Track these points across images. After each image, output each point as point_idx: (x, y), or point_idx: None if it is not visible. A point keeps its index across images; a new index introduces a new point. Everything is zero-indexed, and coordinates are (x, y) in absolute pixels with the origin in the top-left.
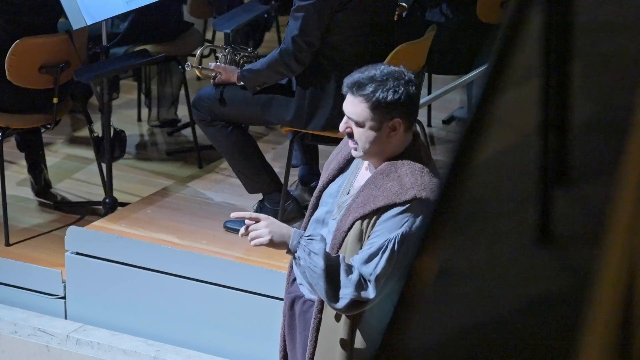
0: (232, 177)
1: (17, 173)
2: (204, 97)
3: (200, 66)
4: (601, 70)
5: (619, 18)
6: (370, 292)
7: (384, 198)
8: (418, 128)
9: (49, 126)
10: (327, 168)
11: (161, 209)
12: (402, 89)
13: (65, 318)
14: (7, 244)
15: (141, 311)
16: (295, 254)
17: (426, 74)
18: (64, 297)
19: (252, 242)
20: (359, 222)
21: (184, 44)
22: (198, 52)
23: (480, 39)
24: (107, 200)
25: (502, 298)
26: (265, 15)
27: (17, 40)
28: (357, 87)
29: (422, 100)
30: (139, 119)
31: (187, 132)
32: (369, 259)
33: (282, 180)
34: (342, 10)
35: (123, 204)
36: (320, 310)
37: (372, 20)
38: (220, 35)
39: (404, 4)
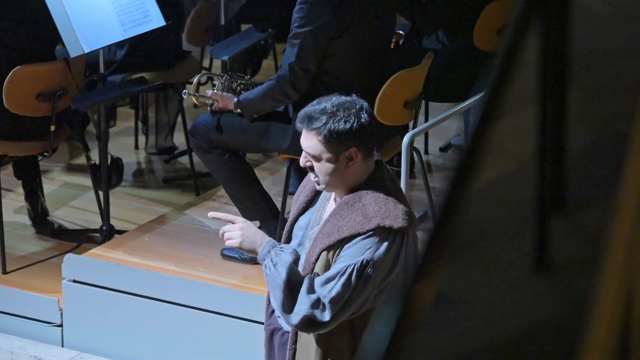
0: (229, 205)
1: (14, 200)
2: (201, 124)
3: (197, 94)
4: (598, 97)
5: (616, 45)
6: (326, 315)
7: (348, 228)
8: (379, 156)
9: (46, 154)
10: (295, 201)
11: (158, 237)
12: (353, 118)
13: (62, 346)
14: (4, 272)
15: (138, 339)
16: (264, 262)
17: (423, 101)
18: (60, 325)
19: (226, 243)
20: (324, 252)
21: (181, 71)
22: (195, 79)
23: (477, 66)
24: (104, 227)
25: (500, 325)
26: (262, 42)
27: (15, 68)
28: (309, 120)
29: (419, 128)
30: (136, 147)
31: (184, 159)
32: (326, 282)
33: (279, 208)
34: (339, 37)
35: (120, 232)
36: (295, 342)
37: (369, 47)
38: (217, 63)
39: (401, 32)
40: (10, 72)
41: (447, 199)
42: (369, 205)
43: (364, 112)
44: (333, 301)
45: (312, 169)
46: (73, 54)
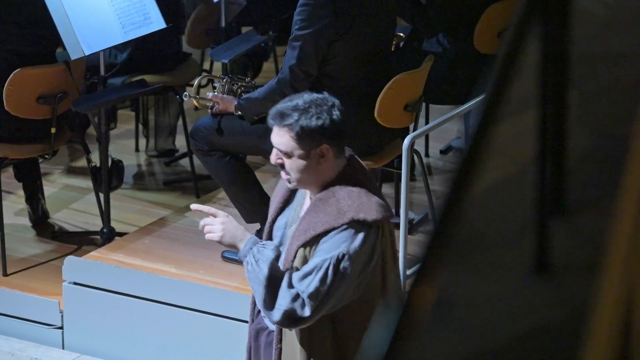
0: (229, 207)
1: (15, 203)
2: (201, 127)
3: (197, 96)
4: (598, 100)
5: (615, 48)
6: (306, 310)
7: (323, 224)
8: (351, 151)
9: (46, 156)
10: (273, 202)
11: (159, 239)
12: (325, 115)
13: (63, 348)
14: (5, 274)
15: (139, 341)
16: (245, 258)
17: (424, 104)
18: (61, 327)
19: (206, 236)
20: (302, 249)
21: (182, 74)
22: (196, 82)
23: (478, 69)
24: (104, 230)
25: (500, 328)
26: (263, 45)
27: (15, 71)
28: (281, 117)
29: (419, 130)
30: (137, 149)
31: (185, 162)
32: (304, 277)
33: None
34: (339, 39)
35: (120, 234)
36: (280, 340)
37: (370, 50)
38: (218, 66)
39: (401, 34)
40: (11, 75)
41: (448, 202)
42: (342, 200)
43: (336, 109)
44: (311, 296)
45: (283, 166)
46: (74, 56)
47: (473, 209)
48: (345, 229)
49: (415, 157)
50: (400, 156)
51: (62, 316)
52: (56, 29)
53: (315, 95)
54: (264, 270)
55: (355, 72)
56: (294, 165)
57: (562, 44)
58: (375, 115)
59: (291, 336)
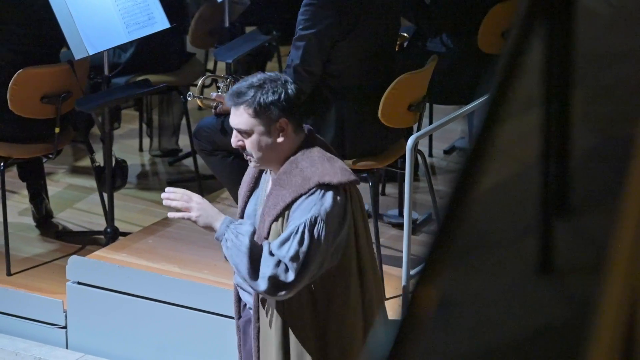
0: (233, 207)
1: (19, 202)
2: (205, 126)
3: (201, 96)
4: (602, 100)
5: (620, 48)
6: (290, 275)
7: (291, 193)
8: (309, 127)
9: (50, 156)
10: (240, 193)
11: (162, 239)
12: (281, 89)
13: (67, 348)
14: (9, 274)
15: (142, 341)
16: (224, 236)
17: (427, 104)
18: (65, 327)
19: (176, 216)
20: (274, 224)
21: (186, 74)
22: (199, 82)
23: (481, 69)
24: (108, 229)
25: (503, 328)
26: (267, 45)
27: (19, 70)
28: (237, 96)
29: (423, 130)
30: (141, 149)
31: (189, 161)
32: (281, 243)
33: None
34: (343, 39)
35: (124, 234)
36: (257, 319)
37: (374, 49)
38: (221, 65)
39: (405, 34)
40: (15, 75)
41: (451, 202)
42: (306, 169)
43: (290, 84)
44: (293, 259)
45: (244, 148)
46: (77, 56)
47: (477, 209)
48: (312, 193)
49: (419, 157)
50: (404, 156)
51: (65, 316)
52: (60, 29)
53: (268, 74)
54: (245, 241)
55: (359, 72)
56: (255, 143)
57: (566, 44)
58: (379, 115)
59: (269, 312)
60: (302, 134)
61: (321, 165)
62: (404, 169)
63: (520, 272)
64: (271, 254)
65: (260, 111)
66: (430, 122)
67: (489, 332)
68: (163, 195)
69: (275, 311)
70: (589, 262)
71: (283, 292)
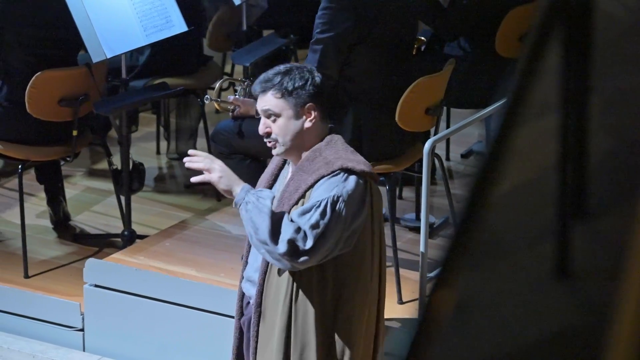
0: None
1: (36, 205)
2: (222, 130)
3: (219, 99)
4: (619, 105)
5: (638, 53)
6: (308, 242)
7: (313, 176)
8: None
9: (68, 159)
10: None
11: (179, 242)
12: (307, 75)
13: (84, 350)
14: (26, 276)
15: (159, 344)
16: (243, 200)
17: (445, 108)
18: (82, 330)
19: (198, 179)
20: (294, 207)
21: (203, 77)
22: (217, 85)
23: (499, 72)
24: (125, 232)
25: (520, 332)
26: (284, 49)
27: (37, 73)
28: (265, 82)
29: (440, 134)
30: (158, 152)
31: None
32: (302, 213)
33: None
34: (360, 43)
35: (141, 237)
36: (260, 304)
37: (391, 53)
38: (239, 69)
39: (423, 38)
40: (33, 77)
41: (468, 206)
42: (330, 155)
43: (316, 74)
44: (312, 227)
45: (269, 134)
46: (95, 59)
47: (494, 212)
48: (335, 175)
49: (436, 161)
50: (421, 160)
51: (82, 318)
52: (78, 32)
53: (293, 63)
54: (267, 203)
55: (376, 75)
56: (283, 126)
57: (584, 48)
58: (396, 118)
59: (273, 299)
60: (327, 126)
61: (345, 154)
62: (421, 173)
63: (537, 276)
64: (291, 220)
65: (289, 95)
66: (448, 126)
67: (505, 336)
68: (186, 159)
69: (281, 298)
70: (606, 267)
71: (300, 259)
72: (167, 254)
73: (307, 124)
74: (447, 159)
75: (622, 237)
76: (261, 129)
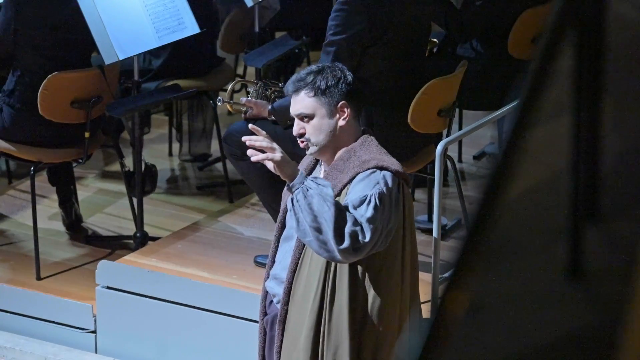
0: (262, 212)
1: (49, 207)
2: (234, 131)
3: (231, 101)
4: (633, 107)
5: None
6: (367, 235)
7: (349, 175)
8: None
9: (80, 160)
10: (285, 192)
11: (192, 244)
12: (340, 73)
13: (96, 352)
14: (39, 278)
15: (172, 346)
16: (303, 185)
17: (457, 110)
18: (94, 332)
19: (265, 157)
20: None
21: (215, 79)
22: (229, 87)
23: (512, 74)
24: (137, 234)
25: (533, 333)
26: (297, 50)
27: (50, 75)
28: (298, 81)
29: (453, 136)
30: (170, 154)
31: (218, 166)
32: (356, 207)
33: None
34: (374, 45)
35: (154, 238)
36: (287, 302)
37: (404, 55)
38: (251, 70)
39: (435, 40)
40: (45, 79)
41: (481, 207)
42: (364, 155)
43: (348, 72)
44: (370, 220)
45: (303, 135)
46: (108, 60)
47: (506, 214)
48: (373, 172)
49: (449, 163)
50: (433, 162)
51: (95, 320)
52: (90, 34)
53: (324, 63)
54: (330, 192)
55: (389, 77)
56: (317, 126)
57: (597, 50)
58: (409, 120)
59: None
60: (360, 128)
61: (379, 155)
62: (434, 175)
63: (550, 277)
64: (347, 211)
65: (322, 94)
66: (460, 128)
67: (518, 337)
68: (245, 137)
69: (310, 297)
70: (619, 268)
71: (356, 252)
72: (180, 255)
73: (341, 122)
74: (460, 160)
75: (634, 238)
76: (295, 130)
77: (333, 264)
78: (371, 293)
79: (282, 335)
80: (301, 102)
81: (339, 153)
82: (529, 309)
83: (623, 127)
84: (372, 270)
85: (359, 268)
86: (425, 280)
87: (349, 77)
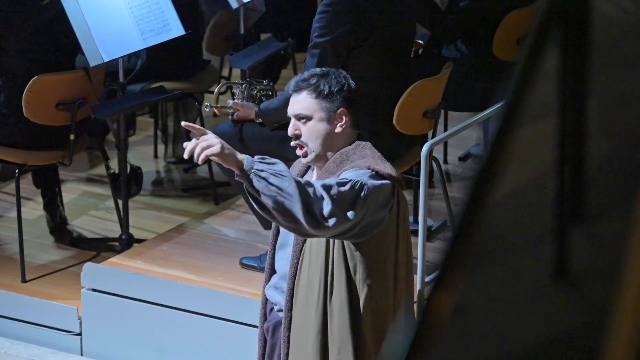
0: (248, 214)
1: (34, 209)
2: (220, 133)
3: (217, 105)
4: (618, 107)
5: (636, 55)
6: (326, 208)
7: (339, 175)
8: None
9: (65, 163)
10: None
11: (177, 246)
12: (344, 80)
13: (81, 355)
14: (24, 281)
15: (157, 348)
16: (253, 168)
17: (442, 111)
18: (80, 334)
19: (203, 153)
20: None
21: (201, 80)
22: (215, 90)
23: (497, 75)
24: (123, 236)
25: (519, 334)
26: (282, 52)
27: (34, 77)
28: (302, 81)
29: (438, 137)
30: (156, 156)
31: (204, 168)
32: (330, 184)
33: None
34: (359, 46)
35: (139, 241)
36: (290, 309)
37: (389, 56)
38: (236, 72)
39: (420, 41)
40: (30, 81)
41: (466, 209)
42: (357, 159)
43: (350, 80)
44: (333, 196)
45: (298, 137)
46: (92, 63)
47: (492, 215)
48: (362, 170)
49: (434, 164)
50: (418, 163)
51: (80, 323)
52: (75, 36)
53: (329, 68)
54: (282, 166)
55: (374, 79)
56: (314, 129)
57: (582, 51)
58: (394, 122)
59: (303, 305)
60: (356, 133)
61: (373, 159)
62: (419, 176)
63: (535, 278)
64: (308, 184)
65: (323, 97)
66: (445, 129)
67: (504, 338)
68: (183, 123)
69: (313, 301)
70: (605, 269)
71: (326, 227)
72: (165, 257)
73: (338, 129)
74: (445, 162)
75: (620, 240)
76: (290, 131)
77: (330, 265)
78: (365, 292)
79: (289, 342)
80: (301, 102)
81: (334, 156)
82: (515, 310)
83: (608, 128)
84: (364, 272)
85: (351, 266)
86: None
87: (352, 85)
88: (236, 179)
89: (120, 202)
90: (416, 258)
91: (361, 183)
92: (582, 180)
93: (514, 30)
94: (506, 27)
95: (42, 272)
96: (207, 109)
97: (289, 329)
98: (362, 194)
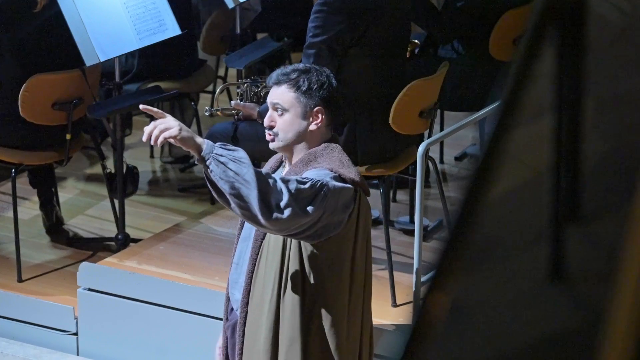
0: None
1: (30, 209)
2: (216, 133)
3: (219, 108)
4: (614, 108)
5: (631, 55)
6: (284, 196)
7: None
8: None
9: (61, 162)
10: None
11: (173, 245)
12: (325, 79)
13: (78, 354)
14: (20, 280)
15: (153, 348)
16: (213, 152)
17: (438, 111)
18: (76, 334)
19: (161, 136)
20: None
21: (197, 80)
22: (216, 94)
23: (493, 75)
24: (119, 236)
25: (515, 335)
26: (278, 52)
27: (31, 77)
28: (283, 75)
29: (434, 137)
30: (152, 156)
31: (200, 168)
32: (289, 180)
33: None
34: (354, 46)
35: (135, 240)
36: (246, 304)
37: (384, 56)
38: (232, 72)
39: (417, 41)
40: (26, 81)
41: (462, 209)
42: (323, 162)
43: (333, 79)
44: (291, 190)
45: (272, 127)
46: (89, 62)
47: (488, 215)
48: (325, 170)
49: (430, 164)
50: (415, 163)
51: (76, 322)
52: (72, 36)
53: (313, 65)
54: (242, 153)
55: (370, 78)
56: (288, 122)
57: (578, 51)
58: (390, 121)
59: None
60: (330, 132)
61: (339, 162)
62: (415, 176)
63: (531, 278)
64: (269, 176)
65: (302, 93)
66: (442, 129)
67: (500, 338)
68: (141, 106)
69: (267, 297)
70: (601, 269)
71: (281, 220)
72: (161, 257)
73: (312, 127)
74: (441, 161)
75: (616, 240)
76: (266, 122)
77: (286, 264)
78: (318, 294)
79: (243, 337)
80: (280, 95)
81: (301, 155)
82: (511, 310)
83: (604, 128)
84: (319, 274)
85: (307, 267)
86: (407, 281)
87: (333, 85)
88: (195, 162)
89: (116, 201)
90: (412, 258)
91: (321, 183)
92: (578, 180)
93: (510, 30)
94: (502, 27)
95: (39, 272)
96: (207, 113)
97: (244, 324)
98: (321, 193)
